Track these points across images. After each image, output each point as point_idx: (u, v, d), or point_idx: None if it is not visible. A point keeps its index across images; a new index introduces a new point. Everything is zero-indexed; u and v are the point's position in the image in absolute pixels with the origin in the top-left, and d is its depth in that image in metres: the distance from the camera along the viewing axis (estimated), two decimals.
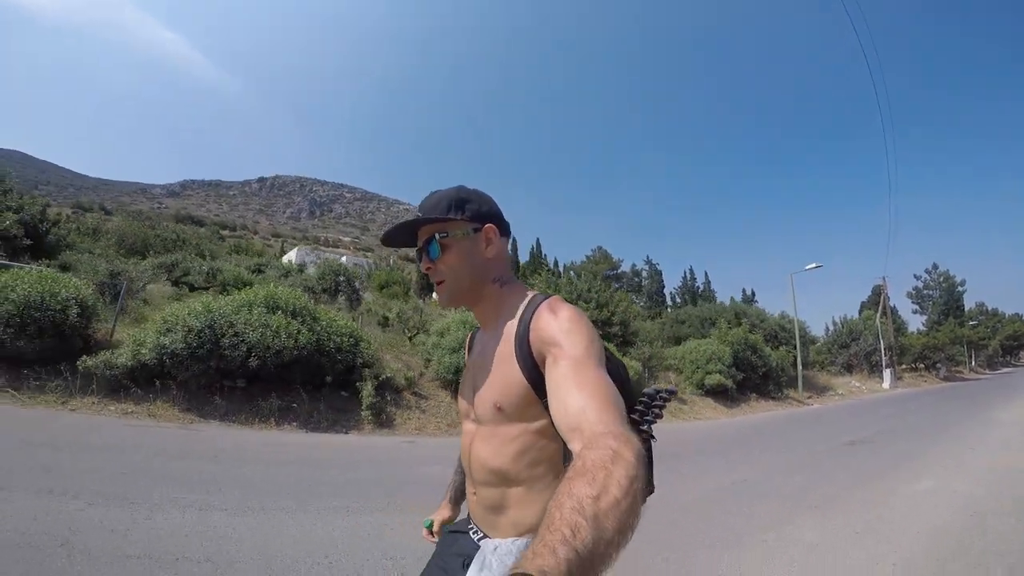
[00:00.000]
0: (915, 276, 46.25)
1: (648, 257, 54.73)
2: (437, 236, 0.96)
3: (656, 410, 0.92)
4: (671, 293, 50.23)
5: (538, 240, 55.94)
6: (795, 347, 19.13)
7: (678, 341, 20.46)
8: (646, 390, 0.93)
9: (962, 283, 43.87)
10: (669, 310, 44.13)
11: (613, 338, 15.22)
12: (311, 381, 7.69)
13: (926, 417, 11.37)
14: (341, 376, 7.86)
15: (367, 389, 7.55)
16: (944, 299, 43.41)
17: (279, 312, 7.63)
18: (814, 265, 19.83)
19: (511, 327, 0.93)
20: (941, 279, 44.52)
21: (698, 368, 14.03)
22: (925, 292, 45.21)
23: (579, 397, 0.73)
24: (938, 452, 6.78)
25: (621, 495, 0.54)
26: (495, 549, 0.90)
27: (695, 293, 48.31)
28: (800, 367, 18.40)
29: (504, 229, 1.01)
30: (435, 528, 1.22)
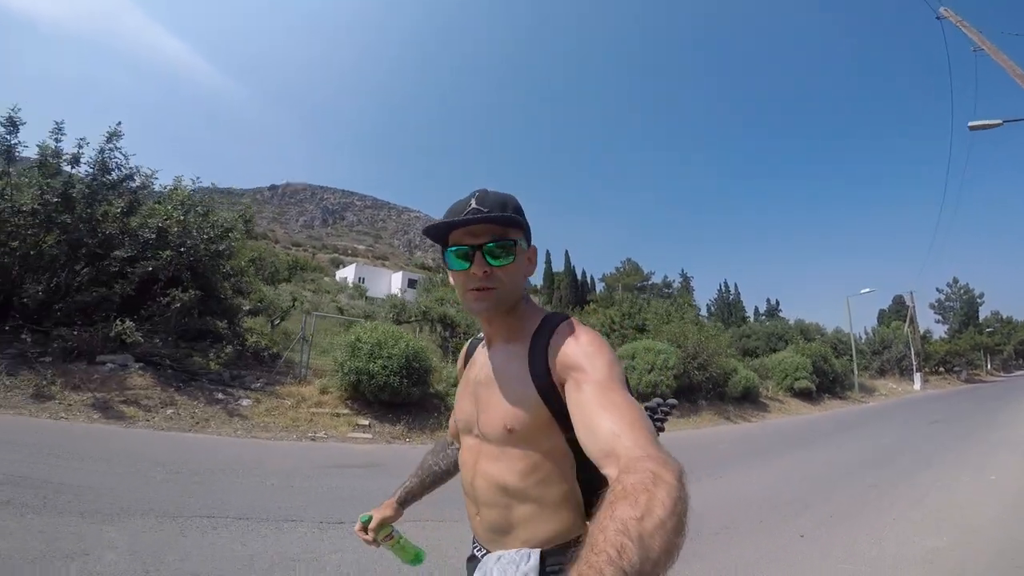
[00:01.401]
0: (937, 290, 51.15)
1: (683, 270, 58.79)
2: (518, 242, 0.93)
3: (658, 423, 0.96)
4: (707, 304, 54.26)
5: (567, 252, 60.29)
6: (849, 358, 23.29)
7: (745, 352, 24.57)
8: (647, 403, 0.96)
9: (980, 296, 48.27)
10: (707, 321, 47.81)
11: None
12: None
13: (970, 408, 15.45)
14: None
15: None
16: (965, 310, 47.66)
17: None
18: (868, 290, 24.10)
19: (524, 347, 0.93)
20: (962, 292, 48.90)
21: (787, 375, 18.13)
22: (947, 304, 49.63)
23: (609, 421, 0.73)
24: (994, 422, 10.87)
25: (666, 515, 0.54)
26: (498, 559, 0.90)
27: (730, 306, 52.31)
28: (856, 374, 22.52)
29: None
30: (372, 525, 1.20)
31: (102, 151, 8.95)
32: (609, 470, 0.68)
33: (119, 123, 9.18)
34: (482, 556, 0.96)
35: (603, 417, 0.74)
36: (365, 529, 1.20)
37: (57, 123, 8.81)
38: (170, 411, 7.48)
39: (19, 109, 8.73)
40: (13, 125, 8.76)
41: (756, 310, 62.12)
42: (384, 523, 1.20)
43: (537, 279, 63.22)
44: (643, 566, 0.49)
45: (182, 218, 9.01)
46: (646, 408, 0.97)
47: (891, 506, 4.69)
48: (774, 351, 22.99)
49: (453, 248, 0.93)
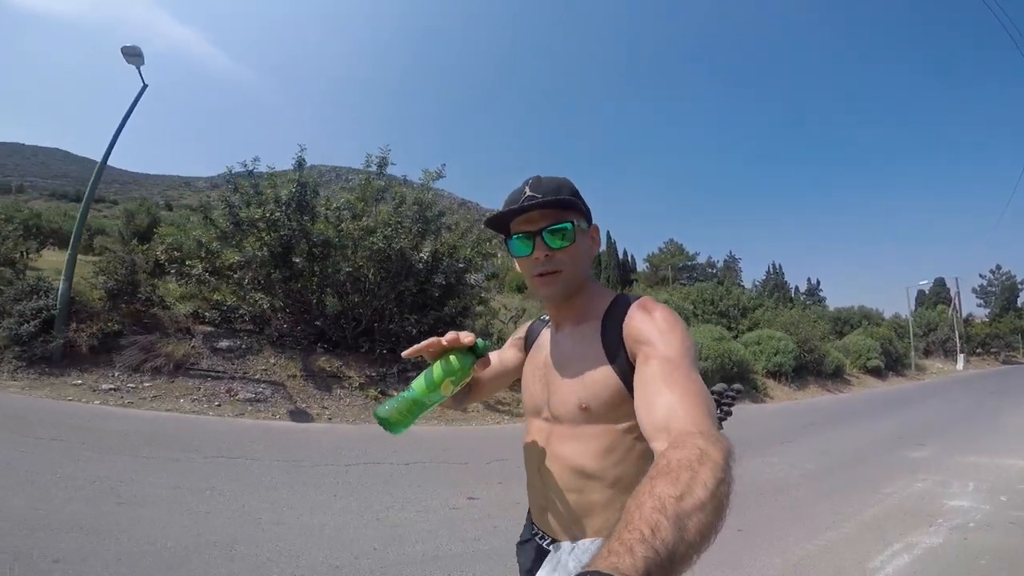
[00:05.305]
0: (980, 275, 53.95)
1: (731, 252, 61.93)
2: (575, 223, 0.94)
3: (726, 407, 0.97)
4: (754, 284, 57.61)
5: (609, 232, 63.60)
6: (907, 340, 27.12)
7: None
8: (714, 388, 0.96)
9: (1022, 282, 50.83)
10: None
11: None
12: None
13: (1017, 384, 19.15)
14: None
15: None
16: (1005, 295, 50.49)
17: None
18: (926, 282, 27.78)
19: (596, 326, 0.94)
20: (1004, 278, 51.60)
21: (861, 355, 22.05)
22: (989, 289, 52.46)
23: (668, 396, 0.73)
24: None
25: (707, 497, 0.53)
26: (572, 549, 0.89)
27: (777, 287, 55.59)
28: (913, 355, 26.35)
29: None
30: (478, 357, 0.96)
31: (426, 189, 9.40)
32: (658, 444, 0.68)
33: (443, 165, 9.63)
34: (547, 544, 0.97)
35: (663, 392, 0.74)
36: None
37: (384, 152, 9.48)
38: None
39: (389, 149, 9.48)
40: (383, 163, 9.51)
41: (796, 289, 65.21)
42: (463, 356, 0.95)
43: None
44: (677, 547, 0.48)
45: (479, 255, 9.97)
46: (713, 393, 0.97)
47: (987, 433, 8.69)
48: (840, 334, 26.84)
49: (515, 236, 0.97)
